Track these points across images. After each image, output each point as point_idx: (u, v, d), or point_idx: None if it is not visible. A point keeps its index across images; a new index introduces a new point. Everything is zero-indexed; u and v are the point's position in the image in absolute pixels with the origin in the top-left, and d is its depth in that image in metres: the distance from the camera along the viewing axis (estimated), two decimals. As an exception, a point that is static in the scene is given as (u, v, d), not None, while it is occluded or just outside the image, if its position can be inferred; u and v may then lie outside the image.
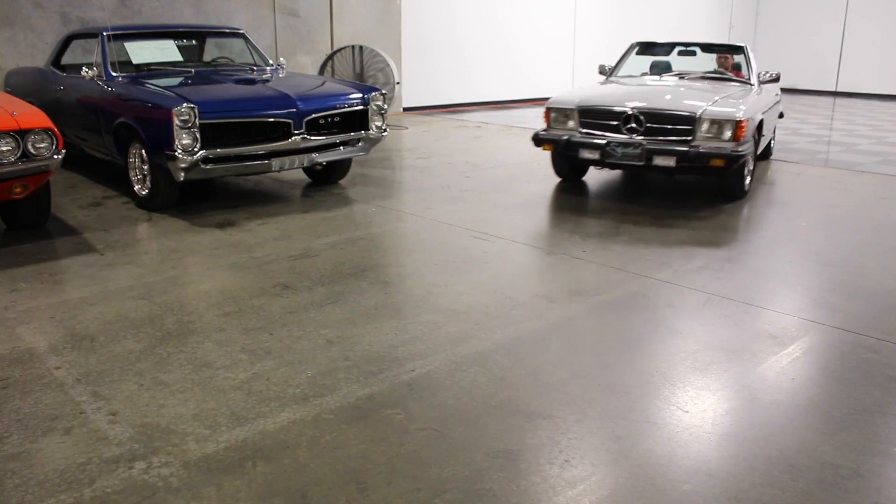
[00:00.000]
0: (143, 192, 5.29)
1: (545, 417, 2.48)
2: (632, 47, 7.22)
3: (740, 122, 5.18)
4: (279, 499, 2.04)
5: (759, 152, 6.29)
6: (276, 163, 5.19)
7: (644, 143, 5.32)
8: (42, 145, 4.14)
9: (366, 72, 9.26)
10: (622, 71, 7.19)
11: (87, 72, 5.53)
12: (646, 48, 7.19)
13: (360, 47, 9.35)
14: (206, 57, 6.99)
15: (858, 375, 2.83)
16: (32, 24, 7.64)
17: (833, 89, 16.60)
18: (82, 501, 2.02)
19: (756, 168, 6.76)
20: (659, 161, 5.29)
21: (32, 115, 4.20)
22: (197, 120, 4.80)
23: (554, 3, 13.53)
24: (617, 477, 2.16)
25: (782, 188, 6.37)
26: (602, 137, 5.50)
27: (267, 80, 5.89)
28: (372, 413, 2.49)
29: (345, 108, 5.59)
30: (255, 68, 6.47)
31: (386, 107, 5.85)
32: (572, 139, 5.59)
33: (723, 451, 2.31)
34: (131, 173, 5.38)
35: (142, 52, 5.95)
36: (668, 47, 7.09)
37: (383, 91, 5.87)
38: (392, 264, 4.12)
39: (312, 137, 5.36)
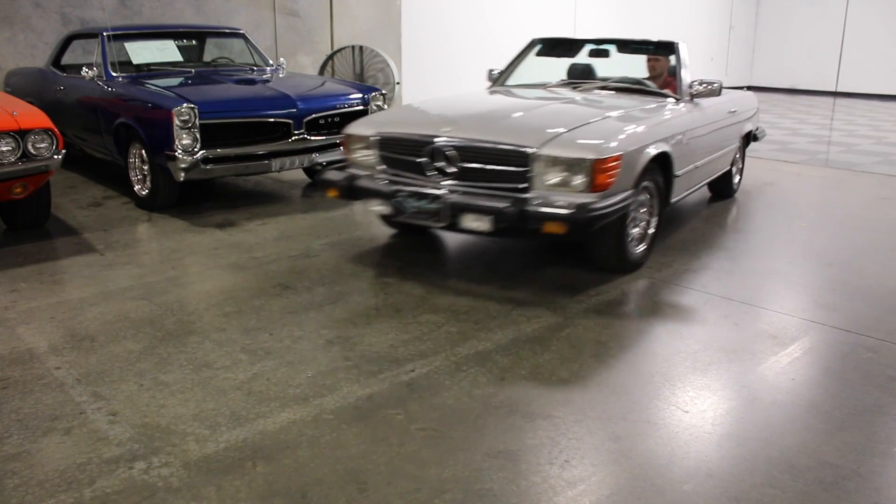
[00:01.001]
0: (143, 193, 5.29)
1: (545, 417, 2.48)
2: (530, 46, 5.50)
3: (601, 162, 3.38)
4: (279, 499, 2.04)
5: (684, 195, 4.62)
6: (276, 163, 5.19)
7: (449, 193, 3.59)
8: (42, 145, 4.14)
9: (366, 72, 9.25)
10: (519, 77, 5.41)
11: (87, 72, 5.53)
12: (548, 47, 5.54)
13: (360, 47, 9.35)
14: (206, 57, 6.99)
15: (858, 375, 2.83)
16: (32, 24, 7.64)
17: (833, 89, 16.60)
18: (82, 501, 2.02)
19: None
20: (469, 222, 3.50)
21: (32, 115, 4.20)
22: (197, 120, 4.80)
23: (554, 2, 13.54)
24: (617, 477, 2.16)
25: (782, 188, 6.37)
26: (402, 181, 3.83)
27: (267, 81, 5.89)
28: (372, 413, 2.49)
29: (345, 108, 5.59)
30: (255, 68, 6.47)
31: (386, 107, 5.85)
32: (356, 182, 3.91)
33: (723, 451, 2.31)
34: (131, 173, 5.38)
35: (142, 52, 5.95)
36: (573, 46, 5.47)
37: (383, 91, 5.88)
38: (392, 265, 4.12)
39: (312, 137, 5.36)
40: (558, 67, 5.46)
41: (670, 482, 2.14)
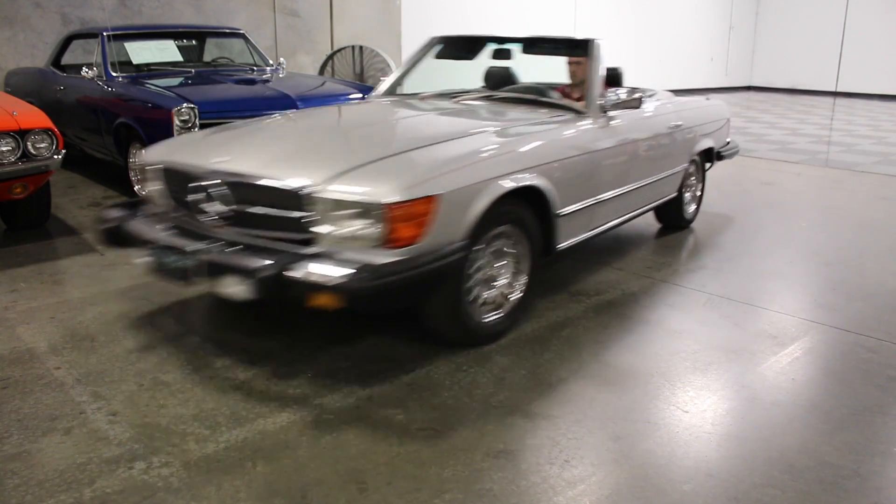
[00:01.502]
0: (144, 193, 5.29)
1: (545, 417, 2.48)
2: (430, 44, 4.51)
3: (396, 207, 2.47)
4: (279, 499, 2.04)
5: (590, 235, 3.65)
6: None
7: (209, 247, 2.73)
8: (42, 145, 4.14)
9: (366, 72, 9.26)
10: (414, 82, 4.58)
11: (87, 72, 5.54)
12: (449, 48, 4.54)
13: (360, 47, 9.35)
14: (206, 57, 6.99)
15: (858, 375, 2.83)
16: (32, 24, 7.64)
17: (833, 89, 16.60)
18: (82, 501, 2.02)
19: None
20: (227, 287, 2.62)
21: (32, 115, 4.20)
22: (197, 120, 4.80)
23: (554, 2, 13.54)
24: (617, 477, 2.16)
25: (782, 188, 6.37)
26: (176, 226, 3.02)
27: (267, 81, 5.89)
28: (372, 413, 2.49)
29: (345, 108, 5.58)
30: (255, 68, 6.47)
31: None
32: (122, 225, 3.10)
33: (723, 451, 2.31)
34: (131, 173, 5.38)
35: (142, 52, 5.96)
36: (474, 46, 4.59)
37: (383, 91, 5.87)
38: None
39: (312, 137, 5.35)
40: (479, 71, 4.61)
41: (670, 482, 2.14)
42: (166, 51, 6.13)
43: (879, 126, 10.91)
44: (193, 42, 6.76)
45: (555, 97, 4.01)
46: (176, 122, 4.73)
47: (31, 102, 5.00)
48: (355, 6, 10.36)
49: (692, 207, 5.01)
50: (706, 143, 4.85)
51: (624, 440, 2.35)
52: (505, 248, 3.07)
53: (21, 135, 4.05)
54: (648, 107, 4.21)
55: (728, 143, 5.34)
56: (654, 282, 3.86)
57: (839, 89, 16.51)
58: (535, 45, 4.37)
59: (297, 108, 5.23)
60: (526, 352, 2.99)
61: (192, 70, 6.10)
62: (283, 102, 5.24)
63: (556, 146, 3.28)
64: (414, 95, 4.26)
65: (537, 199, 3.11)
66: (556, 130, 3.40)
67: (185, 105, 4.76)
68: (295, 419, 2.45)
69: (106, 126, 5.47)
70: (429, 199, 2.55)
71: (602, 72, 3.80)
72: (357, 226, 2.53)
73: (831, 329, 3.28)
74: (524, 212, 3.07)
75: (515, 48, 4.36)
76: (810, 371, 2.87)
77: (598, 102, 3.68)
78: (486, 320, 3.01)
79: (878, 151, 8.44)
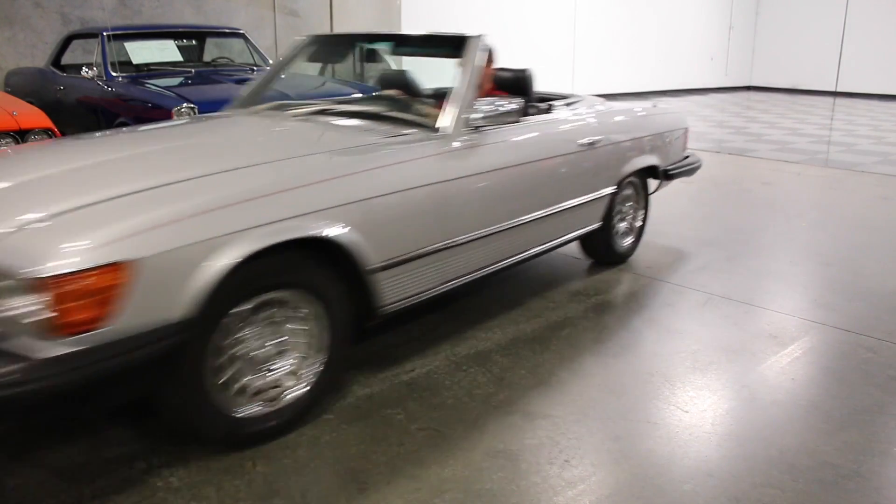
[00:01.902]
0: None
1: (545, 417, 2.48)
2: (298, 46, 3.78)
3: (60, 281, 1.76)
4: (279, 499, 2.04)
5: (442, 289, 2.84)
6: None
7: None
8: (42, 145, 4.14)
9: (366, 72, 9.25)
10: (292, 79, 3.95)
11: (87, 72, 5.54)
12: (317, 48, 3.91)
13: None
14: (206, 57, 7.00)
15: (858, 375, 2.83)
16: (32, 24, 7.64)
17: (833, 89, 16.60)
18: (82, 501, 2.02)
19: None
20: None
21: (32, 115, 4.20)
22: (197, 120, 4.80)
23: (554, 2, 13.53)
24: (617, 477, 2.16)
25: (782, 188, 6.37)
26: None
27: (267, 80, 5.88)
28: (372, 413, 2.49)
29: (345, 108, 5.58)
30: (255, 68, 6.47)
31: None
32: None
33: (723, 451, 2.31)
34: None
35: (142, 52, 5.96)
36: (341, 47, 4.16)
37: (383, 91, 5.86)
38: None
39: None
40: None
41: (670, 482, 2.14)
42: (166, 51, 6.13)
43: (879, 126, 10.91)
44: (193, 42, 6.76)
45: (420, 110, 3.07)
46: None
47: (31, 102, 5.00)
48: (355, 6, 10.36)
49: (627, 240, 4.11)
50: (645, 161, 3.96)
51: (624, 440, 2.35)
52: (282, 320, 2.31)
53: (21, 134, 4.05)
54: (560, 116, 3.49)
55: (685, 157, 4.44)
56: (654, 282, 3.86)
57: (839, 89, 16.51)
58: (405, 45, 3.80)
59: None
60: (526, 352, 2.99)
61: (192, 70, 6.10)
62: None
63: (371, 179, 2.45)
64: (253, 108, 3.49)
65: (341, 254, 2.34)
66: (379, 156, 2.57)
67: (185, 105, 4.76)
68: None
69: (106, 126, 5.47)
70: (115, 268, 1.82)
71: (479, 76, 2.99)
72: (17, 307, 1.79)
73: (831, 329, 3.28)
74: (314, 271, 2.30)
75: (386, 48, 3.62)
76: (810, 371, 2.87)
77: (465, 116, 2.85)
78: (249, 414, 2.25)
79: (878, 151, 8.44)
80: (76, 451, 2.25)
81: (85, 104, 5.82)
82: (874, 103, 14.71)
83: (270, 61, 6.62)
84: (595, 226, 3.77)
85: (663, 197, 5.90)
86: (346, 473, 2.16)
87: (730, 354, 3.00)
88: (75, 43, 6.81)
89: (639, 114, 4.08)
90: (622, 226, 4.08)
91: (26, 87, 6.71)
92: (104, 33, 5.79)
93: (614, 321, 3.33)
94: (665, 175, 4.22)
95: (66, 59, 6.77)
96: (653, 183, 4.29)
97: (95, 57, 5.82)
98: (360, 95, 5.22)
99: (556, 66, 13.84)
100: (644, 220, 4.26)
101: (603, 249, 4.00)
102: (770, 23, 17.71)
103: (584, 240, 3.88)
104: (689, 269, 4.09)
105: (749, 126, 10.78)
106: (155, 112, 4.90)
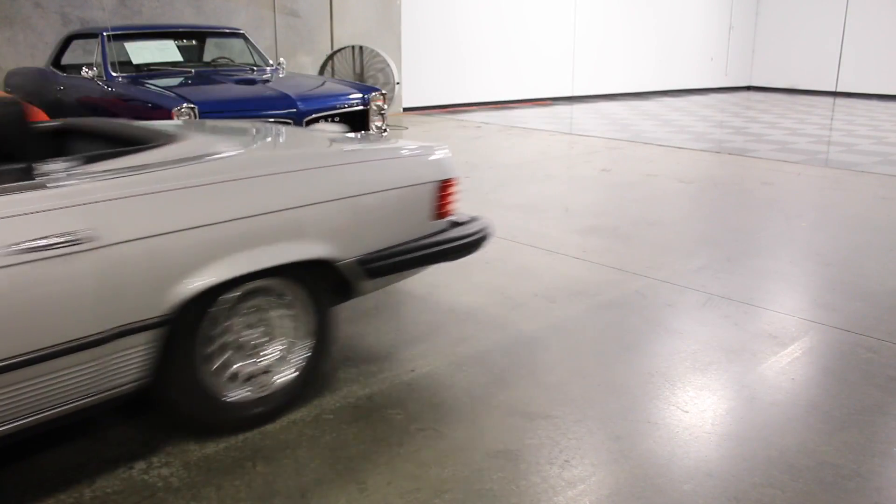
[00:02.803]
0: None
1: (545, 417, 2.48)
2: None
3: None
4: (279, 499, 2.04)
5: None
6: (275, 163, 5.16)
7: None
8: (42, 145, 4.14)
9: (366, 72, 9.26)
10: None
11: (87, 72, 5.54)
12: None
13: (360, 47, 9.35)
14: (206, 57, 6.99)
15: (858, 375, 2.83)
16: (32, 24, 7.64)
17: (833, 89, 16.60)
18: (82, 501, 2.02)
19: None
20: None
21: (32, 115, 4.20)
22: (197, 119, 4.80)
23: (554, 1, 13.53)
24: (617, 477, 2.16)
25: (782, 188, 6.37)
26: None
27: (267, 81, 5.89)
28: (372, 413, 2.49)
29: (345, 108, 5.59)
30: (255, 68, 6.47)
31: (386, 107, 5.85)
32: None
33: (723, 450, 2.31)
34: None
35: (142, 52, 5.96)
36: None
37: (383, 91, 5.88)
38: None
39: (312, 137, 5.35)
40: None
41: (670, 482, 2.14)
42: (166, 51, 6.13)
43: (879, 126, 10.91)
44: (193, 42, 6.76)
45: None
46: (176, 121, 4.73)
47: (31, 102, 5.00)
48: (355, 6, 10.36)
49: (262, 387, 2.43)
50: (289, 254, 2.27)
51: (624, 440, 2.35)
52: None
53: (21, 135, 4.05)
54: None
55: (440, 232, 2.78)
56: (654, 282, 3.86)
57: (839, 89, 16.51)
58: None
59: (297, 107, 5.23)
60: (526, 352, 2.99)
61: (192, 70, 6.09)
62: (283, 102, 5.23)
63: None
64: None
65: None
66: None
67: (185, 105, 4.76)
68: (295, 419, 2.45)
69: (106, 126, 5.47)
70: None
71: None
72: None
73: (831, 329, 3.28)
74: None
75: None
76: (810, 371, 2.87)
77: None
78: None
79: (878, 151, 8.44)
80: (76, 451, 2.25)
81: (85, 104, 5.81)
82: (874, 103, 14.71)
83: (270, 61, 6.63)
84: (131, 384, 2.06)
85: (663, 197, 5.90)
86: (346, 473, 2.16)
87: (730, 354, 3.00)
88: (75, 43, 6.81)
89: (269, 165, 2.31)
90: (237, 368, 2.34)
91: (26, 87, 6.71)
92: (104, 33, 5.79)
93: (614, 321, 3.33)
94: (362, 272, 2.50)
95: (67, 59, 6.77)
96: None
97: (95, 57, 5.82)
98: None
99: (555, 66, 13.85)
100: (321, 348, 2.53)
101: (188, 408, 2.27)
102: (770, 23, 17.71)
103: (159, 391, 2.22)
104: (689, 269, 4.09)
105: (749, 126, 10.78)
106: (155, 112, 4.90)
